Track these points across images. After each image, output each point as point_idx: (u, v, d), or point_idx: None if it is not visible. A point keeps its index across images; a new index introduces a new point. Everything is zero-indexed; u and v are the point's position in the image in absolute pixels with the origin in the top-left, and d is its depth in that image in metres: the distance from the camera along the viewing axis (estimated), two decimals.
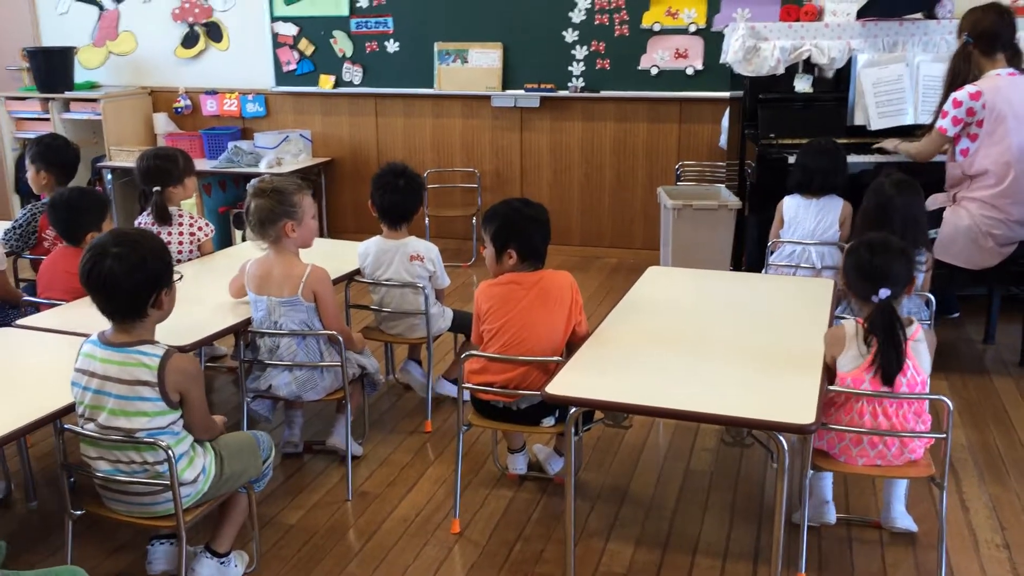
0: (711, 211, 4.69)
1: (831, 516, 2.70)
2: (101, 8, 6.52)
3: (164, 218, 3.59)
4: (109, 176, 6.09)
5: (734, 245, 4.79)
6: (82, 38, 6.59)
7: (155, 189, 3.58)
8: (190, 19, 6.35)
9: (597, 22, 5.57)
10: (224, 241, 5.78)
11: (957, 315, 4.48)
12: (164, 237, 3.54)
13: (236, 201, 6.19)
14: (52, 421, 2.29)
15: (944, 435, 2.36)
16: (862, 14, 4.56)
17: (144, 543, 2.56)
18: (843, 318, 3.17)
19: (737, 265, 4.86)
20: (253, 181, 2.99)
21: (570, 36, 5.63)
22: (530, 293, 2.71)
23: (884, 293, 2.38)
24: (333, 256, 3.43)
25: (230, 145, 5.98)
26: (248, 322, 2.97)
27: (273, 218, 2.89)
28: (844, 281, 2.61)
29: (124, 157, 6.04)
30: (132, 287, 2.16)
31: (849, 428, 2.42)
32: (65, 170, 3.81)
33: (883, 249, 2.48)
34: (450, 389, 3.69)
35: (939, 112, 3.79)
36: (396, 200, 3.41)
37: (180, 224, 3.66)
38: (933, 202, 3.84)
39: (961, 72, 3.77)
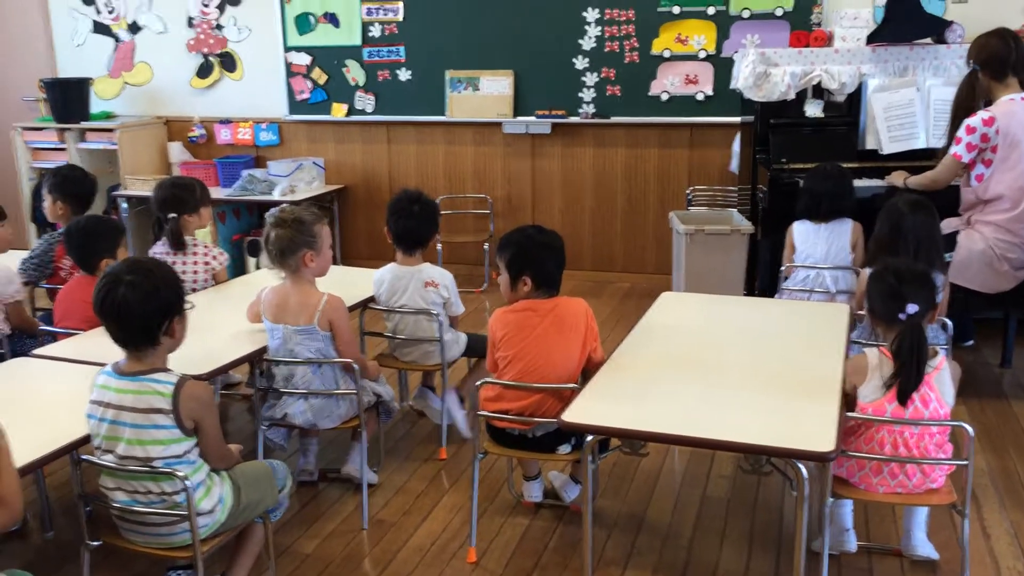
0: (723, 236, 4.69)
1: (852, 544, 2.68)
2: (117, 39, 6.61)
3: (179, 245, 3.61)
4: (124, 205, 6.14)
5: (747, 270, 4.79)
6: (98, 69, 6.67)
7: (171, 216, 3.60)
8: (205, 50, 6.43)
9: (607, 49, 5.61)
10: (239, 269, 5.82)
11: (972, 343, 4.44)
12: (179, 266, 3.59)
13: (250, 229, 6.24)
14: (69, 452, 2.29)
15: (965, 462, 2.34)
16: (872, 39, 4.59)
17: (160, 574, 2.55)
18: (858, 343, 3.17)
19: (750, 290, 4.85)
20: (272, 210, 3.01)
21: (580, 63, 5.67)
22: (545, 320, 2.71)
23: (912, 308, 2.37)
24: (347, 283, 3.44)
25: (244, 173, 6.03)
26: (263, 350, 2.98)
27: (293, 248, 2.91)
28: (868, 310, 2.58)
29: (139, 186, 6.09)
30: (144, 315, 2.18)
31: (869, 455, 2.40)
32: (81, 201, 3.85)
33: (909, 275, 2.48)
34: (460, 420, 3.67)
35: (951, 138, 3.79)
36: (411, 226, 3.42)
37: (195, 253, 3.68)
38: (947, 226, 3.83)
39: (966, 99, 3.78)
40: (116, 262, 3.20)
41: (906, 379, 2.36)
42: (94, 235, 3.32)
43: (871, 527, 2.88)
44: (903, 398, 2.38)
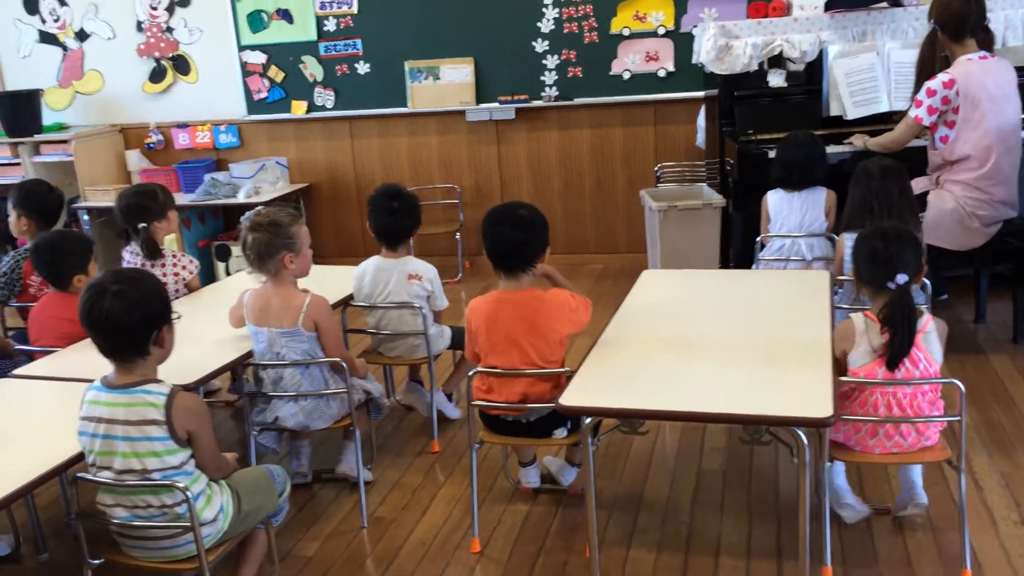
0: (696, 211, 4.71)
1: (922, 497, 2.66)
2: (65, 48, 6.45)
3: (154, 254, 3.55)
4: (86, 217, 6.01)
5: (720, 243, 4.82)
6: (47, 80, 6.51)
7: (141, 226, 3.53)
8: (156, 54, 6.30)
9: (566, 30, 5.60)
10: (208, 274, 5.73)
11: (945, 296, 4.53)
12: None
13: (216, 233, 6.15)
14: (58, 474, 2.25)
15: (958, 418, 2.38)
16: (830, 6, 4.62)
17: None
18: (840, 308, 3.21)
19: (725, 263, 4.88)
20: (247, 214, 2.96)
21: (540, 46, 5.65)
22: (514, 314, 2.67)
23: (902, 279, 2.39)
24: (324, 282, 3.39)
25: (206, 177, 5.94)
26: (247, 356, 2.94)
27: (271, 252, 2.86)
28: (855, 273, 2.61)
29: (99, 197, 5.97)
30: (132, 324, 2.14)
31: (865, 418, 2.43)
32: (47, 215, 3.76)
33: (896, 237, 2.50)
34: (450, 409, 3.68)
35: (913, 100, 3.83)
36: (390, 222, 3.40)
37: (163, 264, 3.61)
38: (916, 186, 3.86)
39: (929, 59, 3.82)
40: (89, 277, 3.18)
41: (898, 346, 2.39)
42: (64, 251, 3.24)
43: (865, 488, 2.91)
44: (893, 365, 2.41)
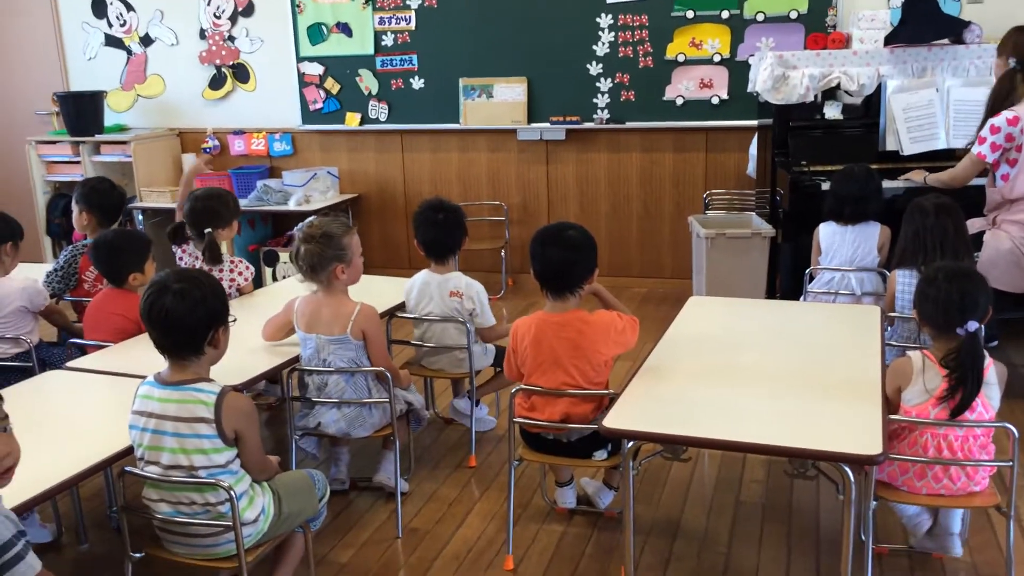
0: (745, 239, 4.68)
1: (957, 549, 2.61)
2: (129, 52, 6.63)
3: (216, 259, 3.61)
4: (140, 217, 6.14)
5: (768, 273, 4.77)
6: (111, 82, 6.68)
7: (207, 231, 3.60)
8: (217, 61, 6.44)
9: (621, 54, 5.61)
10: (256, 279, 5.78)
11: (996, 343, 4.42)
12: None
13: (266, 239, 6.24)
14: (105, 468, 2.29)
15: (1010, 463, 2.33)
16: (890, 40, 4.58)
17: None
18: (891, 345, 3.16)
19: (771, 293, 4.84)
20: (300, 225, 3.00)
21: (594, 69, 5.67)
22: (557, 336, 2.67)
23: (972, 326, 2.33)
24: (371, 292, 3.42)
25: (259, 184, 6.04)
26: (294, 360, 2.97)
27: (323, 263, 2.89)
28: (919, 312, 2.54)
29: (155, 198, 6.11)
30: (191, 323, 2.19)
31: (916, 458, 2.39)
32: (108, 212, 3.85)
33: (966, 279, 2.44)
34: (490, 422, 3.69)
35: (977, 137, 3.78)
36: (436, 235, 3.43)
37: (220, 269, 3.67)
38: (972, 226, 3.81)
39: (1003, 96, 3.75)
40: (145, 276, 3.25)
41: (965, 395, 2.33)
42: (122, 249, 3.31)
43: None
44: (957, 414, 2.35)
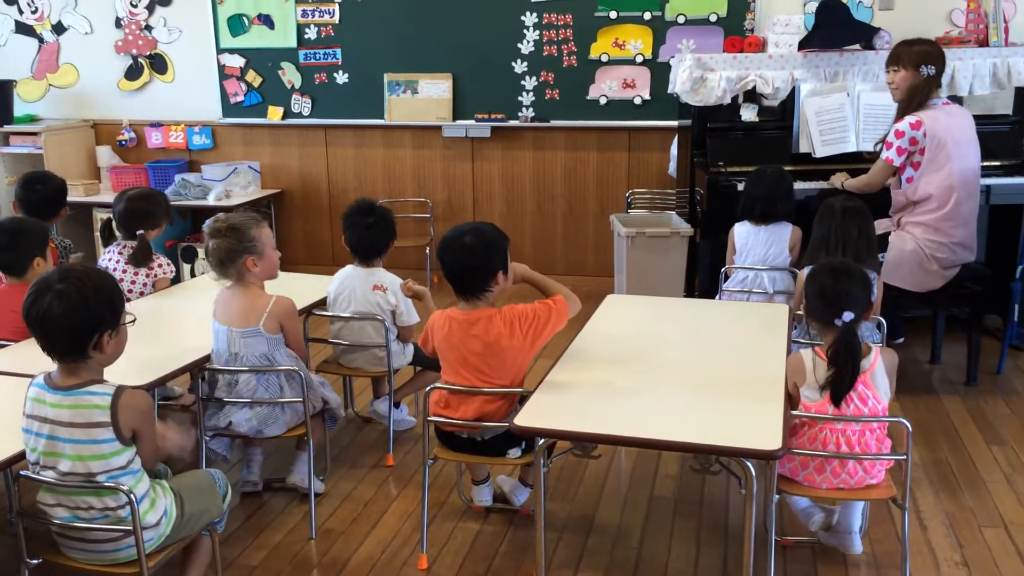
0: (664, 238, 4.75)
1: (856, 547, 2.69)
2: (41, 40, 6.40)
3: (145, 260, 3.57)
4: None
5: (686, 271, 4.86)
6: (21, 71, 6.45)
7: (139, 232, 3.54)
8: (134, 51, 6.27)
9: (546, 53, 5.64)
10: (174, 276, 5.66)
11: (902, 340, 4.58)
12: (128, 275, 3.58)
13: (184, 235, 6.10)
14: (5, 468, 2.21)
15: (904, 456, 2.42)
16: (803, 45, 4.69)
17: None
18: (798, 342, 3.24)
19: (690, 291, 4.93)
20: (208, 221, 2.95)
21: (519, 67, 5.69)
22: (465, 336, 2.67)
23: (848, 316, 2.43)
24: (292, 290, 3.36)
25: (177, 178, 5.90)
26: (205, 359, 2.92)
27: (232, 256, 2.85)
28: (805, 308, 2.65)
29: (68, 192, 5.88)
30: (69, 327, 2.09)
31: (814, 452, 2.46)
32: (38, 208, 3.76)
33: (845, 274, 2.53)
34: (408, 421, 3.69)
35: (884, 143, 3.90)
36: (366, 237, 3.43)
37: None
38: (878, 227, 3.93)
39: (918, 103, 3.85)
40: (47, 263, 3.15)
41: (839, 383, 2.43)
42: (17, 234, 3.21)
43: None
44: (836, 401, 2.44)
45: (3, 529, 2.98)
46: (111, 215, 3.69)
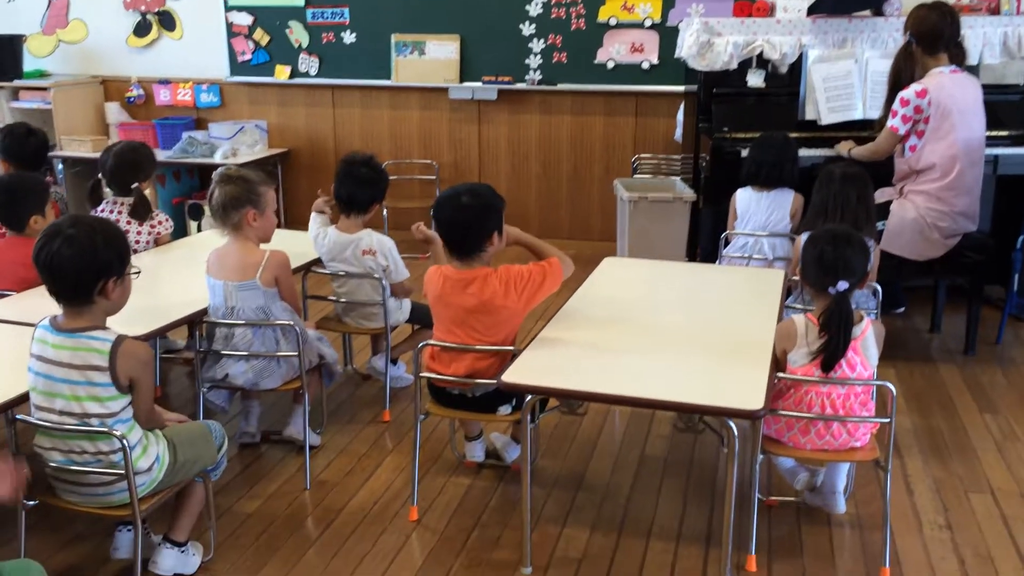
0: (666, 203, 4.75)
1: (840, 506, 2.72)
2: None
3: (146, 213, 3.59)
4: (60, 166, 5.98)
5: (689, 236, 4.86)
6: (31, 26, 6.46)
7: (134, 186, 3.56)
8: (142, 7, 6.26)
9: (554, 16, 5.60)
10: (179, 232, 5.70)
11: (902, 310, 4.58)
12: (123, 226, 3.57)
13: (191, 192, 6.14)
14: (3, 412, 2.27)
15: (888, 419, 2.44)
16: (812, 11, 4.64)
17: (99, 534, 2.54)
18: (793, 308, 3.26)
19: (692, 256, 4.93)
20: (219, 169, 2.99)
21: (527, 29, 5.66)
22: (460, 296, 2.69)
23: (842, 286, 2.43)
24: (292, 247, 3.39)
25: (184, 135, 5.92)
26: (203, 312, 2.96)
27: (237, 204, 2.89)
28: (801, 272, 2.65)
29: (75, 147, 5.95)
30: (77, 271, 2.15)
31: (797, 414, 2.48)
32: (25, 160, 3.77)
33: (846, 242, 2.52)
34: (406, 378, 3.73)
35: (888, 110, 3.87)
36: (353, 188, 3.41)
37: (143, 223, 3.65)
38: (881, 195, 3.93)
39: (903, 71, 3.86)
40: (46, 220, 3.19)
41: (832, 350, 2.44)
42: (19, 191, 3.25)
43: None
44: (827, 368, 2.46)
45: None
46: (99, 175, 3.67)
